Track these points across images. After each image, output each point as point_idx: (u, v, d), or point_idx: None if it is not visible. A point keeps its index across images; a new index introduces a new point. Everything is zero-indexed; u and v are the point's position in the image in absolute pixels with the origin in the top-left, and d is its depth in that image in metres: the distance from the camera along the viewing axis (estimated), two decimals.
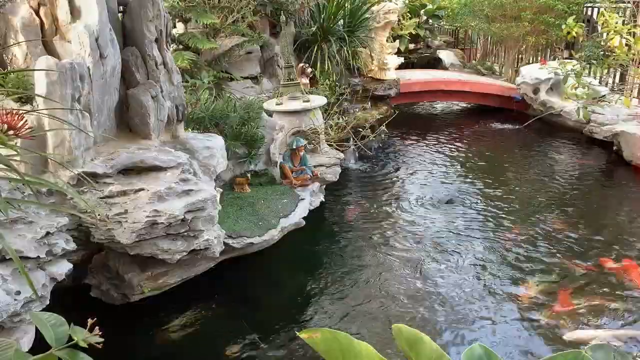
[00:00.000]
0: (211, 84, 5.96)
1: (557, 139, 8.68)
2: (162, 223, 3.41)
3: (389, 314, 4.07)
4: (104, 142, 3.78)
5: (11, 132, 1.22)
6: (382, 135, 7.89)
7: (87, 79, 3.38)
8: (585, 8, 10.12)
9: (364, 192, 6.73)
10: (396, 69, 9.26)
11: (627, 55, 7.92)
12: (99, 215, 3.32)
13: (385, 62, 8.76)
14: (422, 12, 12.61)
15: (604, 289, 4.32)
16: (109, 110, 3.86)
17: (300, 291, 4.46)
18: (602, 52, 8.53)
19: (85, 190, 3.37)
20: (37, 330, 2.59)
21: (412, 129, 9.51)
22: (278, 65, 7.02)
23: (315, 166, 5.66)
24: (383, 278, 4.60)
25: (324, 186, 5.93)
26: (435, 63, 12.95)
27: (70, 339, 1.04)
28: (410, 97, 10.19)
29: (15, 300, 2.71)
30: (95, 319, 1.09)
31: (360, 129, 7.33)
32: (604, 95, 8.57)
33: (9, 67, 3.60)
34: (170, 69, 4.27)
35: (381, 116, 8.13)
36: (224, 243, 4.02)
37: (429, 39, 13.24)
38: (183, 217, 3.49)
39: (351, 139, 7.36)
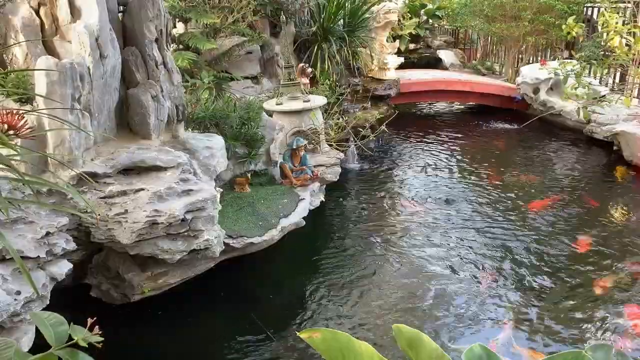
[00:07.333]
0: (211, 84, 5.95)
1: (557, 139, 8.67)
2: (162, 223, 3.41)
3: (389, 314, 4.07)
4: (104, 142, 3.78)
5: (11, 132, 1.22)
6: (382, 135, 7.88)
7: (87, 78, 3.38)
8: (585, 8, 10.12)
9: (364, 191, 6.73)
10: (396, 68, 9.25)
11: (627, 55, 7.92)
12: (99, 215, 3.32)
13: (385, 62, 8.76)
14: (422, 12, 12.62)
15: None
16: (109, 110, 3.86)
17: (300, 291, 4.46)
18: (602, 52, 8.53)
19: (86, 190, 3.37)
20: (37, 330, 2.59)
21: (412, 129, 9.50)
22: (278, 65, 7.01)
23: (315, 166, 5.65)
24: (383, 278, 4.60)
25: (324, 186, 5.93)
26: (435, 63, 12.96)
27: (70, 338, 1.04)
28: (410, 97, 10.18)
29: (15, 300, 2.71)
30: (95, 318, 1.09)
31: (360, 129, 7.32)
32: (604, 95, 8.56)
33: (9, 67, 3.60)
34: (170, 69, 4.27)
35: (381, 116, 8.12)
36: (224, 243, 4.01)
37: (429, 39, 13.25)
38: (183, 217, 3.49)
39: (351, 138, 7.36)
